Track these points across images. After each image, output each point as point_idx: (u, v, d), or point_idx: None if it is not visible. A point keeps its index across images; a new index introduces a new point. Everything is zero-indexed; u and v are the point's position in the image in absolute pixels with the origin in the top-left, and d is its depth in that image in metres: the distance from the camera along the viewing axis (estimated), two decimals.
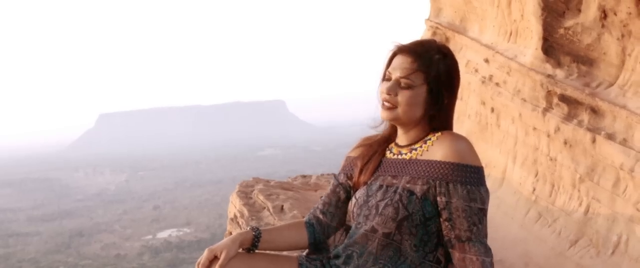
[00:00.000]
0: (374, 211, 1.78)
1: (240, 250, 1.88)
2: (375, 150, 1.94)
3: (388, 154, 1.91)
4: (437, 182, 1.71)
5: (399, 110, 1.80)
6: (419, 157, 1.79)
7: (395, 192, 1.76)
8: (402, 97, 1.79)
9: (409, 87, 1.78)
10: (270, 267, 1.86)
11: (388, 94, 1.81)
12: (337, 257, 1.87)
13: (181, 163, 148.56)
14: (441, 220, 1.73)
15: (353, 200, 1.90)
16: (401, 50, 1.83)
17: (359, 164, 1.96)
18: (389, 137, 1.95)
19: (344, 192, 2.03)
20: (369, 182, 1.89)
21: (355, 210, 1.86)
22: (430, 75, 1.78)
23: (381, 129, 2.00)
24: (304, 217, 2.17)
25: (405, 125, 1.85)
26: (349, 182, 2.01)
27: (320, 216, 2.05)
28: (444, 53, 1.82)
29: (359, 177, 1.94)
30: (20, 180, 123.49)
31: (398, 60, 1.82)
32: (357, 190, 1.95)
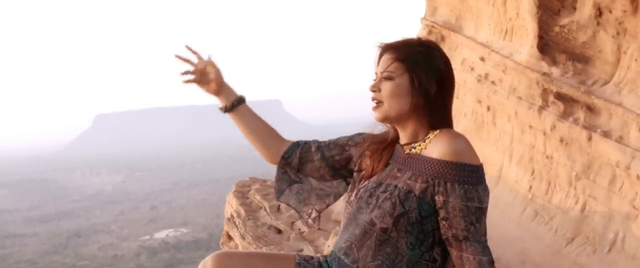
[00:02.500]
0: (374, 201, 1.78)
1: (222, 104, 2.09)
2: (385, 146, 1.94)
3: (395, 150, 1.91)
4: (436, 180, 1.70)
5: (385, 104, 1.81)
6: (418, 154, 1.78)
7: (395, 187, 1.76)
8: (384, 89, 1.80)
9: (389, 78, 1.79)
10: (267, 267, 1.86)
11: (372, 90, 1.83)
12: (339, 249, 1.87)
13: (178, 163, 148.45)
14: (439, 219, 1.72)
15: (367, 183, 1.89)
16: (384, 48, 1.85)
17: (369, 153, 1.96)
18: (396, 138, 1.94)
19: (344, 160, 2.05)
20: (379, 172, 1.89)
21: (362, 192, 1.86)
22: (410, 64, 1.78)
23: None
24: (300, 218, 2.18)
25: (397, 122, 1.84)
26: (355, 162, 2.02)
27: (313, 148, 2.08)
28: (427, 45, 1.83)
29: (371, 166, 1.93)
30: (17, 181, 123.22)
31: (382, 58, 1.85)
32: (362, 174, 1.95)
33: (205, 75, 2.09)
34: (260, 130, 2.12)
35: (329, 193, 2.12)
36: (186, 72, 2.06)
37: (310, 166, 2.08)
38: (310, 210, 2.12)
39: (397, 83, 1.79)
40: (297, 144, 2.11)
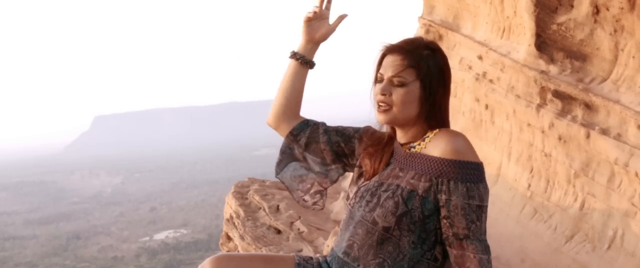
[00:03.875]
0: (376, 200, 1.77)
1: (298, 52, 2.09)
2: (384, 146, 1.94)
3: (395, 149, 1.91)
4: (439, 179, 1.71)
5: (395, 109, 1.81)
6: (419, 153, 1.79)
7: (398, 186, 1.76)
8: (396, 95, 1.80)
9: (401, 84, 1.79)
10: None
11: (382, 94, 1.81)
12: (338, 248, 1.87)
13: (177, 165, 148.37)
14: (440, 217, 1.73)
15: (368, 183, 1.88)
16: (390, 49, 1.85)
17: (369, 152, 1.95)
18: (393, 136, 1.95)
19: (348, 149, 2.04)
20: (380, 171, 1.89)
21: (362, 191, 1.85)
22: (422, 71, 1.78)
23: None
24: (300, 218, 2.19)
25: (402, 125, 1.85)
26: (356, 156, 2.02)
27: (320, 130, 2.08)
28: (433, 48, 1.84)
29: (371, 166, 1.93)
30: (16, 184, 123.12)
31: (388, 60, 1.84)
32: (362, 171, 1.95)
33: (320, 24, 2.09)
34: (293, 94, 2.10)
35: (326, 174, 2.10)
36: (317, 8, 2.08)
37: (314, 147, 2.07)
38: (305, 190, 2.11)
39: (409, 90, 1.79)
40: (306, 124, 2.10)
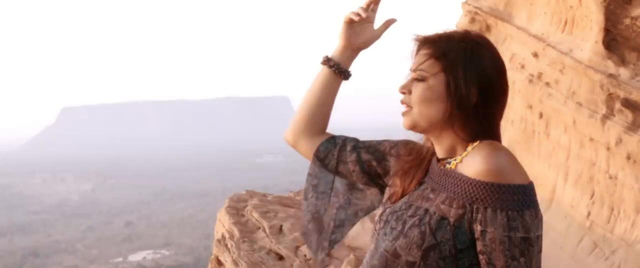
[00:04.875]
0: (401, 227, 1.76)
1: (333, 58, 2.09)
2: (419, 162, 1.91)
3: (431, 165, 1.88)
4: (474, 206, 1.67)
5: (414, 110, 1.79)
6: (454, 171, 1.77)
7: (426, 211, 1.74)
8: (415, 92, 1.79)
9: (421, 78, 1.78)
10: None
11: (402, 92, 1.82)
12: None
13: (160, 171, 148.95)
14: (477, 252, 1.70)
15: (394, 204, 1.88)
16: (421, 42, 1.83)
17: (401, 170, 1.93)
18: (433, 152, 1.94)
19: (381, 169, 2.03)
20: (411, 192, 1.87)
21: (387, 214, 1.85)
22: (447, 62, 1.76)
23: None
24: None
25: (429, 132, 1.83)
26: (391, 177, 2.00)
27: (348, 147, 2.06)
28: (475, 40, 1.81)
29: (401, 186, 1.90)
30: None
31: (418, 53, 1.83)
32: (391, 193, 1.94)
33: (363, 28, 2.08)
34: (321, 107, 2.11)
35: (355, 210, 2.11)
36: (363, 10, 2.06)
37: (342, 168, 2.07)
38: (326, 242, 2.10)
39: (430, 85, 1.77)
40: (333, 142, 2.09)
